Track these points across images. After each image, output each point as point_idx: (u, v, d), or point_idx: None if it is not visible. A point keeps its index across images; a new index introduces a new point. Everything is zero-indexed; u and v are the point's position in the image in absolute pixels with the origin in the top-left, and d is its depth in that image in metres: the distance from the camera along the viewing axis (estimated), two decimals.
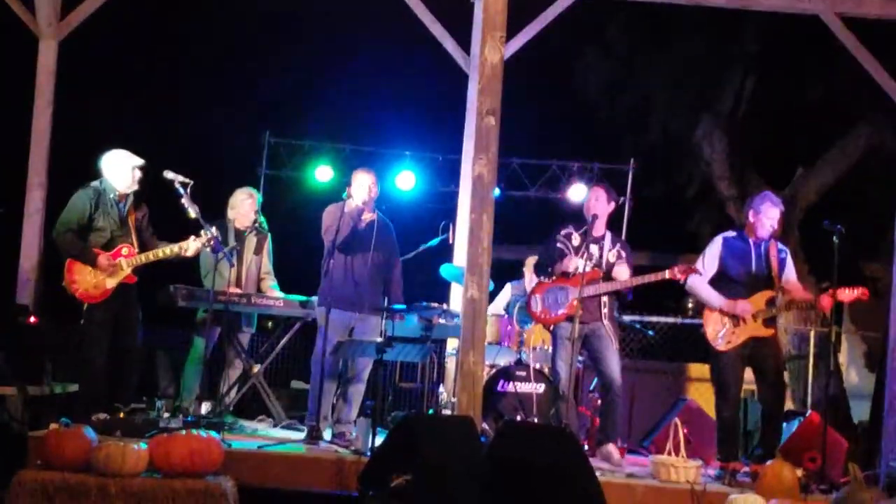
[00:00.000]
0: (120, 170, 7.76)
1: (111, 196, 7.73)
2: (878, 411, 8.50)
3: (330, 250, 7.94)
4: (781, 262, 7.66)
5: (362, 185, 8.04)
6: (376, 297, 8.12)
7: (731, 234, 7.87)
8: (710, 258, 7.73)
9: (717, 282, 7.69)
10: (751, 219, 7.73)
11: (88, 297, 7.59)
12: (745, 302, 7.53)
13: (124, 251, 7.71)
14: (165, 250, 7.78)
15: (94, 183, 7.76)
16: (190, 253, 7.76)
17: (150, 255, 7.74)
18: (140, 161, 7.77)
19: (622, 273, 7.81)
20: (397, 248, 8.39)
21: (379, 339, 7.58)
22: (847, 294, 7.43)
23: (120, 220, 7.75)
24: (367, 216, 8.06)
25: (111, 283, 7.63)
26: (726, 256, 7.69)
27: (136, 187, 7.81)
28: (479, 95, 7.10)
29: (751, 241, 7.68)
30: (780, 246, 7.74)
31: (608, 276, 7.87)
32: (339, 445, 7.41)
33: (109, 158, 7.79)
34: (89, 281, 7.59)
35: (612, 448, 7.68)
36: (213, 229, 7.74)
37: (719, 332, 7.59)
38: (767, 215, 7.62)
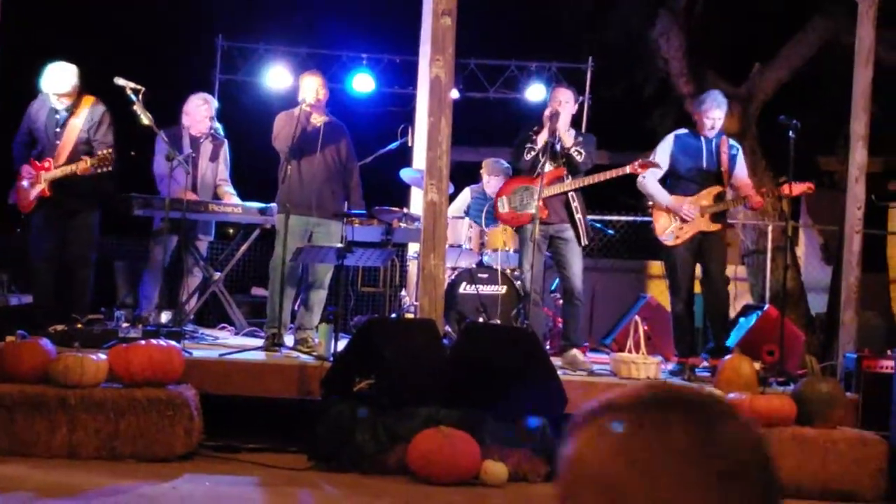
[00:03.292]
0: (44, 87, 7.72)
1: (50, 107, 7.65)
2: (835, 304, 8.61)
3: (286, 156, 7.86)
4: (731, 159, 7.66)
5: (310, 88, 7.93)
6: (333, 201, 8.05)
7: (683, 130, 7.85)
8: (661, 154, 7.72)
9: (670, 178, 7.70)
10: (695, 117, 7.74)
11: (20, 206, 7.76)
12: (690, 204, 7.54)
13: (46, 164, 7.68)
14: (66, 168, 7.65)
15: (42, 94, 7.71)
16: (79, 172, 7.58)
17: (59, 172, 7.66)
18: (59, 89, 7.65)
19: (575, 157, 7.69)
20: (353, 152, 8.30)
21: (339, 245, 7.54)
22: (795, 188, 7.51)
23: (52, 133, 7.68)
24: (317, 119, 7.97)
25: (33, 193, 7.68)
26: (677, 152, 7.69)
27: (59, 107, 7.72)
28: None
29: (702, 137, 7.66)
30: (732, 142, 7.74)
31: (574, 174, 7.78)
32: (301, 351, 7.42)
33: (44, 71, 7.73)
34: (20, 190, 7.74)
35: (576, 352, 7.65)
36: (106, 151, 7.59)
37: (667, 228, 7.64)
38: (707, 115, 7.59)
